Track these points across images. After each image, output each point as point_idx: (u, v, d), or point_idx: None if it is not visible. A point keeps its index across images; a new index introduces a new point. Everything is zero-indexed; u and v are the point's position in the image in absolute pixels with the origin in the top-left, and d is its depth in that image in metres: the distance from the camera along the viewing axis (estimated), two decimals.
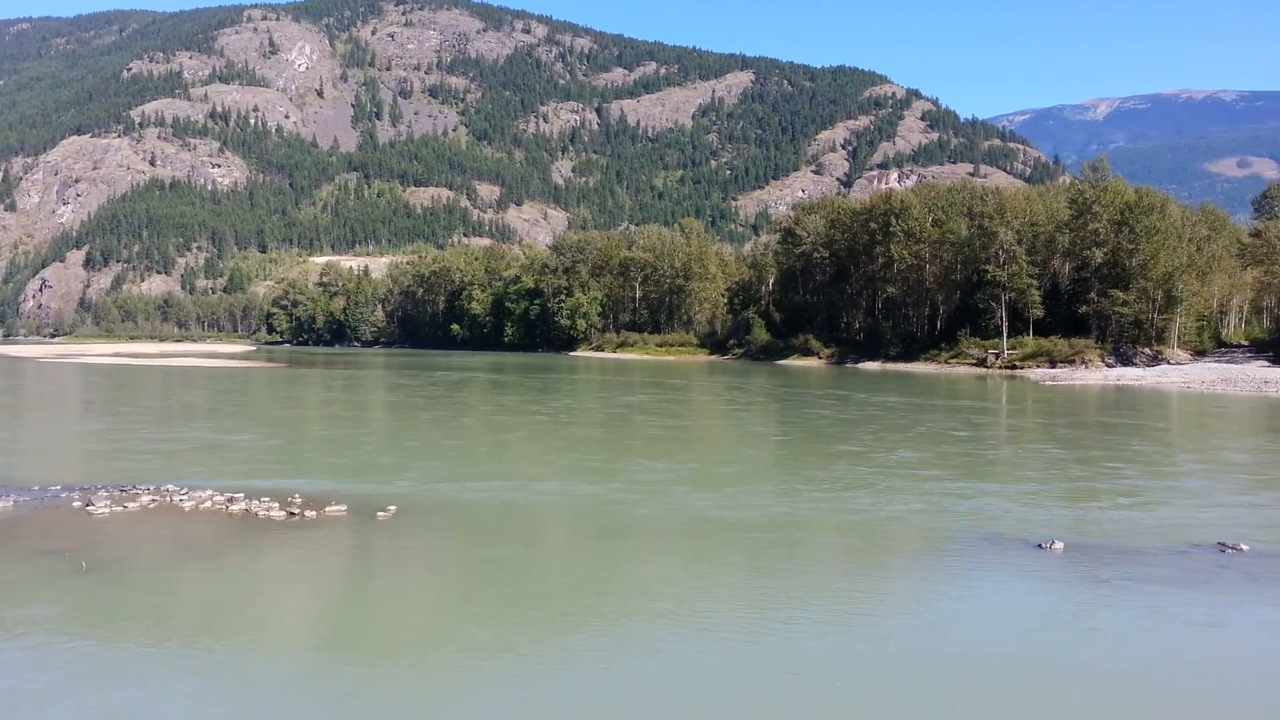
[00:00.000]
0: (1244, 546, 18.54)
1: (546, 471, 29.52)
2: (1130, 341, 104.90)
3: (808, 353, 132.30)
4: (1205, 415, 53.74)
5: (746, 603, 15.12)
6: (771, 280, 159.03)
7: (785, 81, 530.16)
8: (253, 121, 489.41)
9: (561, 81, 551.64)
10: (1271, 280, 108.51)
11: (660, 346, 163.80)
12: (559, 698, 11.27)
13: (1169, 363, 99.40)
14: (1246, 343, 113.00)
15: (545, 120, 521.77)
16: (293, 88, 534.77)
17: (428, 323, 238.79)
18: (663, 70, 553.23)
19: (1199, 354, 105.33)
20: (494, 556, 18.16)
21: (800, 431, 42.85)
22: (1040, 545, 18.71)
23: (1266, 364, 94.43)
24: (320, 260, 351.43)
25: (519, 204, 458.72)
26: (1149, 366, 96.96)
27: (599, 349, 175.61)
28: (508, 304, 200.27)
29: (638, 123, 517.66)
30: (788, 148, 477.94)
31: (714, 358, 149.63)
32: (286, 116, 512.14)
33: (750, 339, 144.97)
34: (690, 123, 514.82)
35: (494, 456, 33.96)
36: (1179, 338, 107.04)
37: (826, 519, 21.87)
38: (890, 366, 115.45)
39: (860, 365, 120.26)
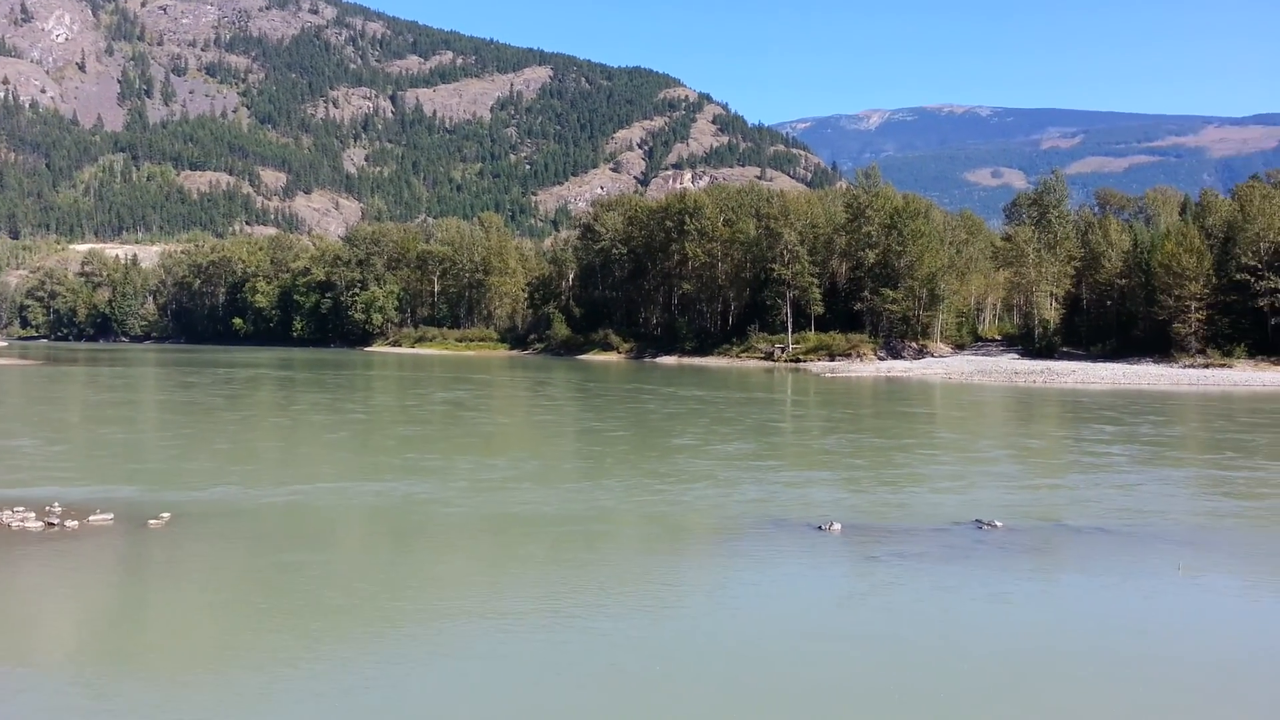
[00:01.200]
0: (998, 523, 20.57)
1: (340, 472, 28.57)
2: (900, 336, 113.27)
3: (607, 347, 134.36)
4: (965, 404, 58.95)
5: (554, 596, 15.33)
6: (572, 276, 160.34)
7: (583, 79, 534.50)
8: (2, 95, 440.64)
9: (353, 66, 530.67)
10: (1020, 280, 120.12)
11: (460, 342, 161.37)
12: (378, 704, 11.01)
13: (933, 356, 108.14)
14: (999, 337, 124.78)
15: (336, 106, 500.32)
16: (50, 60, 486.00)
17: (206, 316, 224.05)
18: (460, 60, 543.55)
19: (959, 348, 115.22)
20: (287, 562, 17.45)
21: (599, 425, 43.55)
22: (820, 527, 20.05)
23: (1016, 356, 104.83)
24: (82, 248, 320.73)
25: (308, 192, 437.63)
26: (916, 359, 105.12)
27: (396, 344, 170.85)
28: (297, 297, 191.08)
29: (435, 113, 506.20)
30: (586, 145, 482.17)
31: (515, 353, 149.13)
32: (43, 91, 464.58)
33: (551, 334, 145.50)
34: (489, 115, 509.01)
35: (282, 458, 32.45)
36: (941, 333, 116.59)
37: (626, 511, 22.46)
38: (686, 360, 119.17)
39: (658, 359, 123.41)
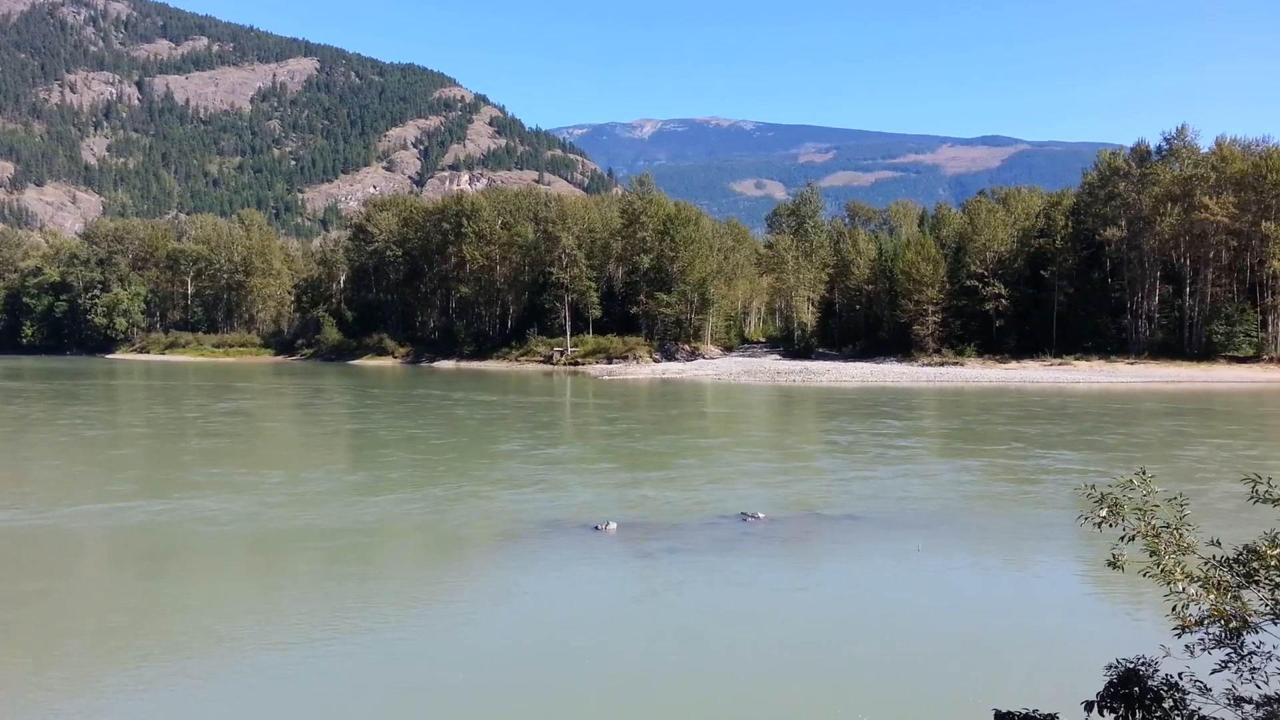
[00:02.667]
0: (761, 515, 21.97)
1: (80, 493, 26.25)
2: (674, 339, 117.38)
3: (382, 352, 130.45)
4: (733, 403, 62.06)
5: (336, 612, 14.94)
6: (343, 278, 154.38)
7: (353, 73, 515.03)
8: None
9: (93, 49, 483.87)
10: (781, 286, 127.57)
11: (218, 348, 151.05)
12: None
13: (705, 358, 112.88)
14: (764, 339, 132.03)
15: (73, 90, 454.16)
16: None
17: None
18: (216, 47, 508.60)
19: (728, 349, 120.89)
20: (23, 592, 15.94)
21: (374, 434, 42.39)
22: (597, 527, 20.66)
23: (779, 357, 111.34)
24: None
25: (40, 184, 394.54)
26: (689, 361, 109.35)
27: (144, 350, 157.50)
28: (26, 300, 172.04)
29: (187, 102, 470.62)
30: (357, 142, 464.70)
31: (281, 358, 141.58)
32: None
33: (321, 338, 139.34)
34: (249, 107, 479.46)
35: (8, 480, 29.39)
36: (712, 335, 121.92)
37: (403, 521, 22.12)
38: (465, 365, 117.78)
39: (436, 364, 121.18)
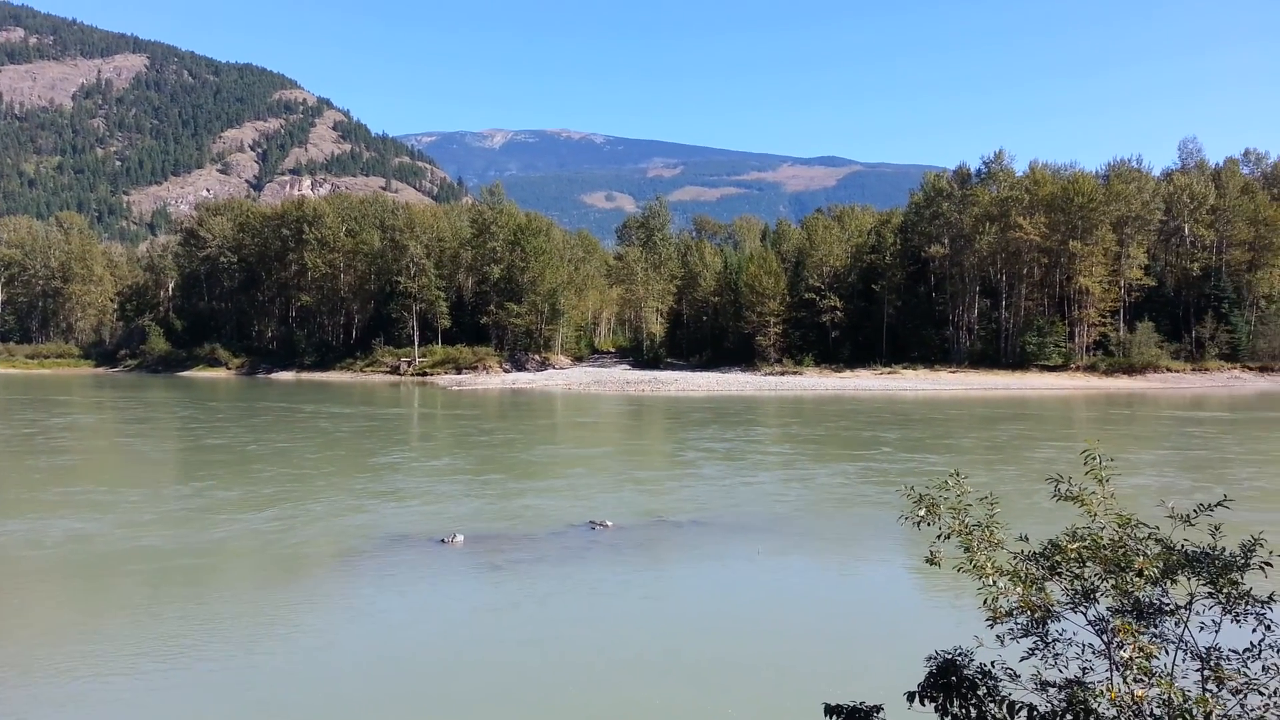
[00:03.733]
0: (609, 523, 22.14)
1: None
2: (524, 349, 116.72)
3: (215, 363, 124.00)
4: (583, 413, 62.26)
5: (168, 639, 14.07)
6: (172, 285, 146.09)
7: (185, 72, 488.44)
8: None
9: None
10: (631, 297, 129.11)
11: (32, 359, 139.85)
12: None
13: (555, 368, 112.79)
14: (613, 350, 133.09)
15: None
16: None
17: None
18: (34, 40, 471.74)
19: (578, 360, 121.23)
20: None
21: (204, 449, 40.24)
22: (443, 540, 20.32)
23: (628, 367, 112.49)
24: None
25: None
26: (539, 371, 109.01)
27: None
28: None
29: (0, 97, 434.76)
30: (190, 143, 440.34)
31: (102, 370, 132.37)
32: None
33: (147, 349, 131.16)
34: (70, 104, 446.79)
35: None
36: (562, 346, 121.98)
37: (238, 540, 21.10)
38: (306, 376, 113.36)
39: (274, 375, 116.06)
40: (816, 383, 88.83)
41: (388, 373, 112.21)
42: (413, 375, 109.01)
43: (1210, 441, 41.20)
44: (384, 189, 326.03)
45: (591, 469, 33.40)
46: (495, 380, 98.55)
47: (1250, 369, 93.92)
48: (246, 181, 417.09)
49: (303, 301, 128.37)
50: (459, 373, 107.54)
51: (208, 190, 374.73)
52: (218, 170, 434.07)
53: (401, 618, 15.42)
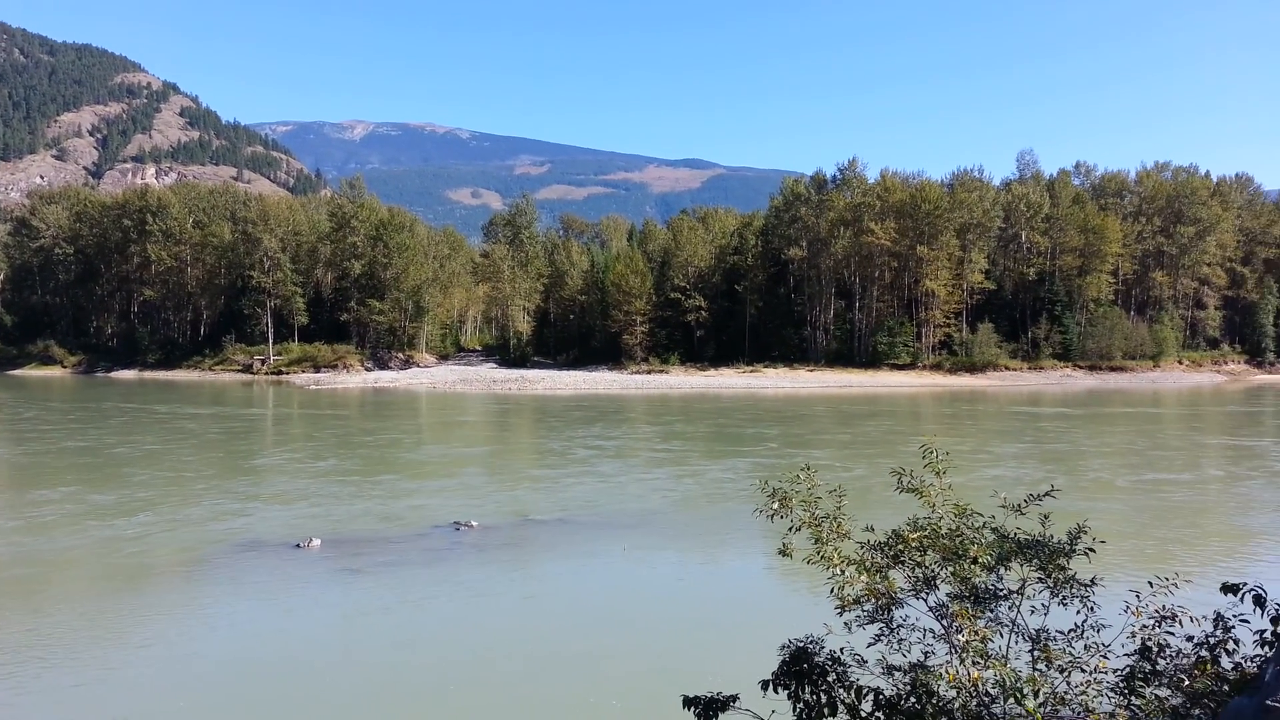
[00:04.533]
0: (474, 523, 21.87)
1: None
2: (387, 347, 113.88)
3: (49, 360, 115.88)
4: (448, 412, 61.24)
5: (20, 649, 13.04)
6: (1, 278, 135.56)
7: (17, 50, 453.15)
8: None
9: None
10: (497, 295, 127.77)
11: None
12: None
13: (419, 366, 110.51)
14: (480, 348, 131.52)
15: None
16: None
17: None
18: None
19: (443, 358, 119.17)
20: None
21: (65, 452, 37.55)
22: (299, 545, 19.64)
23: (495, 365, 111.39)
24: None
25: None
26: (403, 370, 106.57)
27: None
28: None
29: None
30: (21, 126, 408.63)
31: None
32: None
33: None
34: None
35: None
36: (427, 344, 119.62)
37: (72, 550, 19.78)
38: (150, 375, 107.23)
39: (114, 374, 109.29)
40: (682, 381, 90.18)
41: (240, 371, 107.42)
42: (267, 374, 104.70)
43: (1063, 435, 44.05)
44: (235, 179, 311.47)
45: (456, 469, 32.91)
46: (356, 379, 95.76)
47: (1080, 367, 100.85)
48: (85, 169, 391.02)
49: (146, 296, 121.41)
50: (317, 371, 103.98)
51: (41, 178, 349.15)
52: (53, 156, 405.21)
53: (262, 624, 14.83)
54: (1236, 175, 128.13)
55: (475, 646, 13.90)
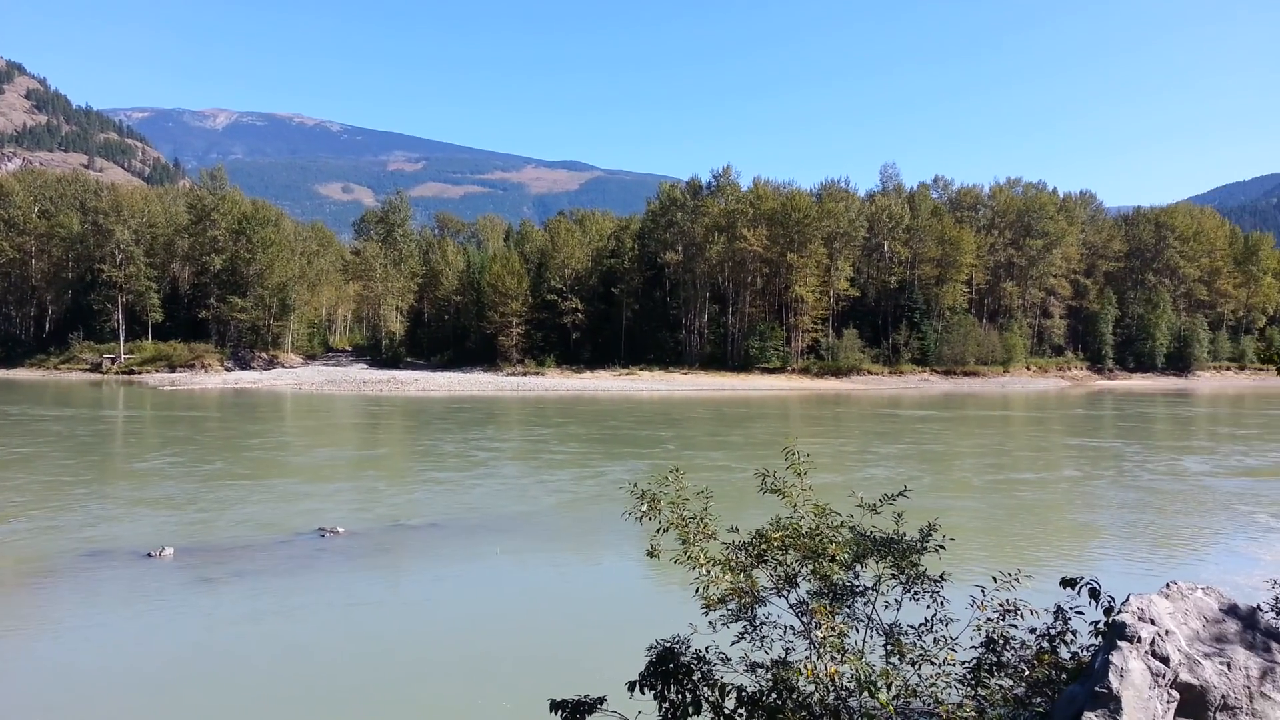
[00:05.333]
0: (340, 529, 21.23)
1: None
2: (249, 346, 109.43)
3: None
4: (314, 414, 59.27)
5: None
6: None
7: None
8: None
9: None
10: (369, 294, 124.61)
11: None
12: None
13: (284, 366, 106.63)
14: (350, 348, 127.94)
15: None
16: None
17: None
18: None
19: (310, 358, 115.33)
20: None
21: None
22: (150, 554, 18.64)
23: (365, 366, 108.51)
24: None
25: None
26: (267, 370, 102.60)
27: None
28: None
29: None
30: None
31: None
32: None
33: None
34: None
35: None
36: (293, 343, 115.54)
37: None
38: None
39: None
40: (558, 383, 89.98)
41: (88, 370, 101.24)
42: (117, 373, 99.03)
43: (927, 437, 45.95)
44: (86, 167, 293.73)
45: (321, 474, 31.88)
46: (215, 379, 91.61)
47: (937, 372, 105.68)
48: None
49: None
50: (173, 371, 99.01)
51: None
52: None
53: (117, 637, 13.98)
54: (1081, 192, 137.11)
55: (352, 655, 13.49)
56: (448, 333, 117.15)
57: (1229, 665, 4.35)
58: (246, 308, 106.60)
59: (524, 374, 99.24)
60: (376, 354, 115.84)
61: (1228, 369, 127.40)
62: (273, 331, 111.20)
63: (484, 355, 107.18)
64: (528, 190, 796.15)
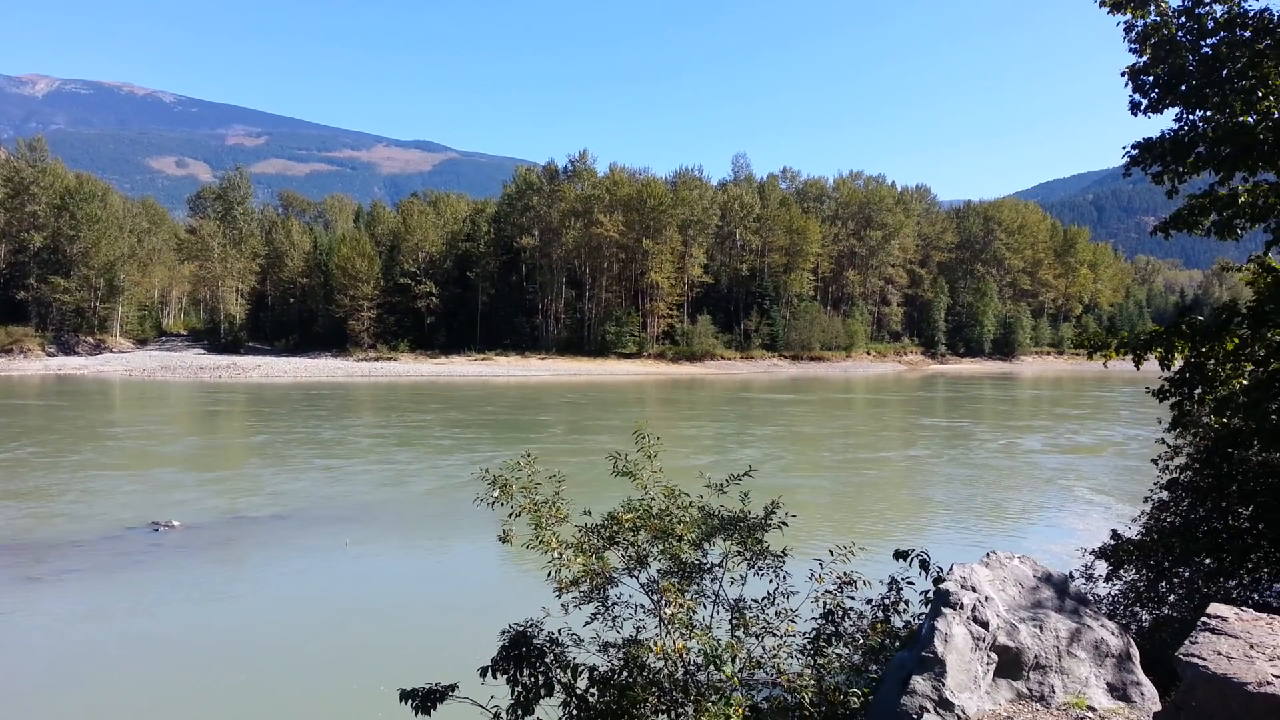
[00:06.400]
0: (176, 523, 20.18)
1: None
2: (73, 330, 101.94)
3: None
4: (147, 402, 55.92)
5: None
6: None
7: None
8: None
9: None
10: (207, 275, 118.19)
11: None
12: None
13: (113, 351, 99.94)
14: (186, 332, 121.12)
15: None
16: None
17: None
18: None
19: (142, 342, 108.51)
20: None
21: None
22: None
23: (203, 351, 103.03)
24: None
25: None
26: (93, 355, 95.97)
27: None
28: None
29: None
30: None
31: None
32: None
33: None
34: None
35: None
36: (123, 327, 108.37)
37: None
38: None
39: None
40: (412, 369, 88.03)
41: None
42: None
43: (781, 419, 47.35)
44: None
45: (153, 465, 30.15)
46: (35, 365, 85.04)
47: (785, 357, 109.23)
48: None
49: None
50: None
51: None
52: None
53: None
54: (917, 186, 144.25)
55: (169, 655, 12.86)
56: (293, 316, 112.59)
57: (1041, 628, 4.74)
58: (70, 289, 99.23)
59: (376, 359, 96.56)
60: (215, 338, 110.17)
61: (1048, 354, 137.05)
62: (100, 314, 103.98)
63: (333, 340, 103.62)
64: (378, 170, 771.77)
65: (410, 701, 5.68)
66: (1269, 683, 2.95)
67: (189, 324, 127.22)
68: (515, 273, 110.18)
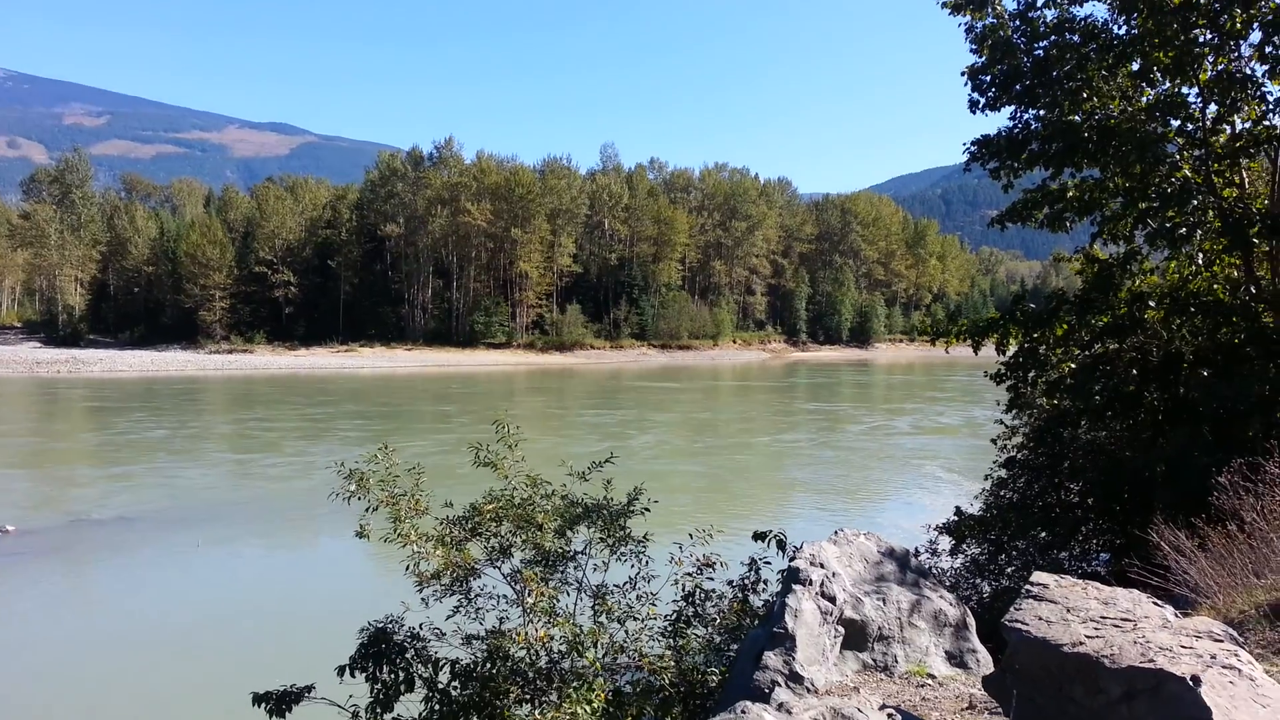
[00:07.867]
0: (10, 528, 18.87)
1: None
2: None
3: None
4: None
5: None
6: None
7: None
8: None
9: None
10: (42, 263, 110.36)
11: None
12: None
13: None
14: (20, 324, 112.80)
15: None
16: None
17: None
18: None
19: None
20: None
21: None
22: None
23: (39, 345, 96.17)
24: None
25: None
26: None
27: None
28: None
29: None
30: None
31: None
32: None
33: None
34: None
35: None
36: None
37: None
38: None
39: None
40: (269, 361, 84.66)
41: None
42: None
43: (657, 406, 47.70)
44: None
45: None
46: None
47: (654, 346, 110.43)
48: None
49: None
50: None
51: None
52: None
53: None
54: (779, 179, 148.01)
55: (22, 673, 12.04)
56: (139, 307, 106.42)
57: (884, 601, 4.98)
58: None
59: (230, 352, 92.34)
60: (52, 331, 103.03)
61: (901, 341, 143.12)
62: None
63: (182, 332, 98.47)
64: (230, 153, 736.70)
65: (264, 705, 5.51)
66: (1081, 643, 3.19)
67: (23, 315, 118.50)
68: (380, 262, 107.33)
